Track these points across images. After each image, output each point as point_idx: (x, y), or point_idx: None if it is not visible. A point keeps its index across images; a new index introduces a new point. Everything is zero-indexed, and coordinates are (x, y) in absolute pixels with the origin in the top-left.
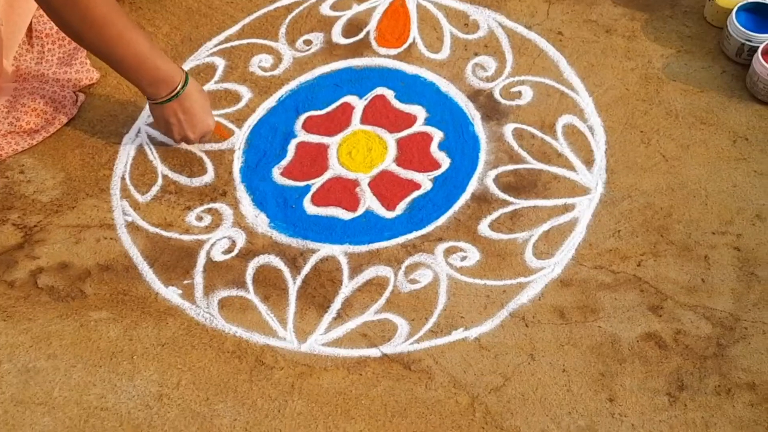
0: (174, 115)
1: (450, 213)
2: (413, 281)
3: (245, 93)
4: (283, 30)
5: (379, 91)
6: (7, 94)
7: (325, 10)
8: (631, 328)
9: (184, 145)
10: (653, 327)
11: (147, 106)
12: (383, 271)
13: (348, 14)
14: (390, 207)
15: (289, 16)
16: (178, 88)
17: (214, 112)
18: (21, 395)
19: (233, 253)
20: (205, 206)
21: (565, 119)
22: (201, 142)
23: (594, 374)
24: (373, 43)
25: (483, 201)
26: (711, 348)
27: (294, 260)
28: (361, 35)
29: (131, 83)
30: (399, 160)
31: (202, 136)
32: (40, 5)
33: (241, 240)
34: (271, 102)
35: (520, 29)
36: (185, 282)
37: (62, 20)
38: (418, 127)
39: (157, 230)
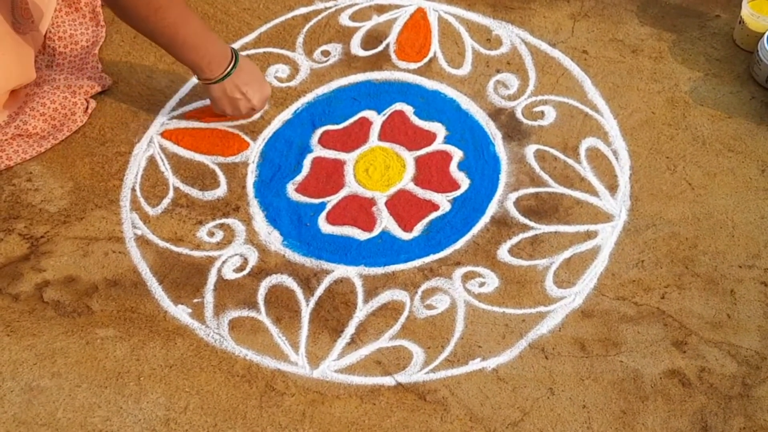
0: (237, 89)
1: (469, 236)
2: (430, 307)
3: None
4: (300, 40)
5: (398, 106)
6: (21, 101)
7: (344, 20)
8: (654, 363)
9: (198, 158)
10: (677, 363)
11: (158, 117)
12: (399, 295)
13: (367, 25)
14: (407, 228)
15: (307, 26)
16: (233, 63)
17: (229, 124)
18: (24, 415)
19: (245, 272)
20: (217, 221)
21: (588, 142)
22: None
23: (615, 411)
24: (393, 56)
25: (503, 225)
26: (736, 387)
27: (307, 281)
28: (381, 47)
29: (188, 66)
30: (417, 180)
31: (264, 102)
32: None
33: (253, 258)
34: (286, 114)
35: (544, 46)
36: (195, 300)
37: (126, 8)
38: (438, 145)
39: (167, 245)
